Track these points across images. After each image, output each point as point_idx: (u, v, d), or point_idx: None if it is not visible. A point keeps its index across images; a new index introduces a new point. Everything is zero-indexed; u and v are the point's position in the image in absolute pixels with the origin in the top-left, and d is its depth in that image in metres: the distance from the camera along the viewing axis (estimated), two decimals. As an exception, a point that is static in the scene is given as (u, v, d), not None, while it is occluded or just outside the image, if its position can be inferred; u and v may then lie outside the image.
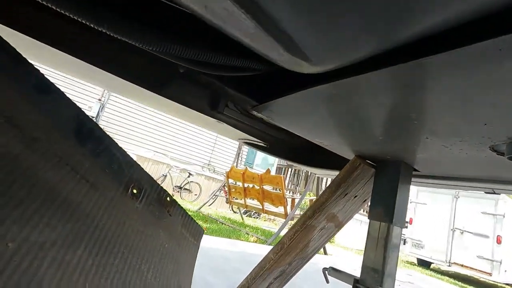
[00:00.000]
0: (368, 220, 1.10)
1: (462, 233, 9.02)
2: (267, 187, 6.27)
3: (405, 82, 0.54)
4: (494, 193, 1.07)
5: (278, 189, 6.20)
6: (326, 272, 1.19)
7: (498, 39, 0.37)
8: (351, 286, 1.04)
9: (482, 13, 0.38)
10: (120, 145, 0.72)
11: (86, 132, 0.58)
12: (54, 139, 0.51)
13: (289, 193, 12.51)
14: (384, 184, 1.08)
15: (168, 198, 0.75)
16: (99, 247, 0.50)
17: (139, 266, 0.58)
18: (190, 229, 0.80)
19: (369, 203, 1.24)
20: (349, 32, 0.45)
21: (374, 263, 1.01)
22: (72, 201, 0.49)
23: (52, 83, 0.55)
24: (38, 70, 0.53)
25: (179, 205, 0.78)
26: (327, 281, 1.23)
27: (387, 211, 1.03)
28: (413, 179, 1.11)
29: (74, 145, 0.54)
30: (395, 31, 0.44)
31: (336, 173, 1.46)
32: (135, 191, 0.65)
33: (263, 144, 1.13)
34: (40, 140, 0.48)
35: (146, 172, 0.72)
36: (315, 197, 6.96)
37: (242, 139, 1.14)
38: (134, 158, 10.03)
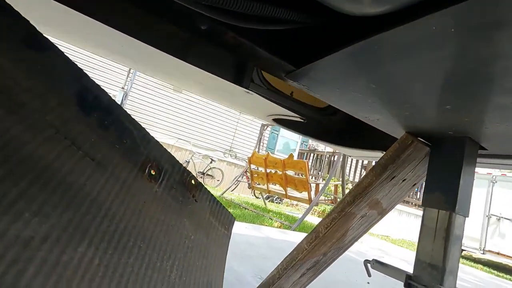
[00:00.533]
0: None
1: (498, 219, 8.50)
2: (290, 172, 6.15)
3: (497, 17, 0.37)
4: None
5: (301, 174, 6.06)
6: (369, 265, 1.05)
7: None
8: (402, 283, 0.90)
9: None
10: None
11: (91, 100, 0.47)
12: (49, 106, 0.40)
13: (312, 178, 12.29)
14: (443, 165, 0.91)
15: (193, 181, 0.64)
16: (108, 242, 0.40)
17: (160, 263, 0.47)
18: (219, 216, 0.69)
19: (416, 188, 1.07)
20: None
21: (431, 257, 0.86)
22: (72, 184, 0.38)
23: (47, 39, 0.43)
24: (29, 22, 0.41)
25: (205, 188, 0.67)
26: (369, 275, 1.10)
27: (448, 197, 0.86)
28: (480, 160, 0.93)
29: (75, 115, 0.43)
30: None
31: (378, 154, 1.30)
32: (153, 172, 0.54)
33: (299, 119, 0.99)
34: (30, 106, 0.37)
35: (166, 150, 0.60)
36: (340, 183, 6.75)
37: (272, 115, 1.01)
38: (158, 144, 10.27)
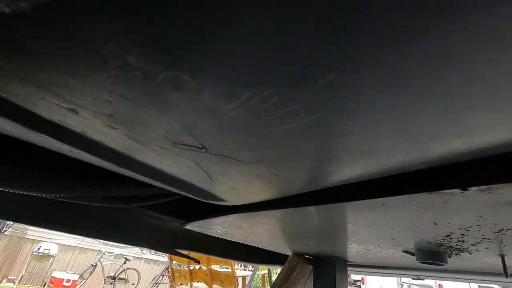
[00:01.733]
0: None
1: (409, 286, 9.29)
2: (215, 266, 5.77)
3: (320, 214, 0.58)
4: (419, 279, 1.14)
5: (227, 268, 5.74)
6: None
7: (381, 199, 0.44)
8: None
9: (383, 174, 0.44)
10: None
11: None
12: None
13: (241, 266, 11.64)
14: (322, 281, 1.07)
15: None
16: None
17: None
18: None
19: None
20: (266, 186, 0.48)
21: None
22: None
23: None
24: None
25: None
26: None
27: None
28: (348, 268, 1.13)
29: None
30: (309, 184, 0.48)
31: (277, 267, 1.43)
32: None
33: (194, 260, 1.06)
34: None
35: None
36: (266, 271, 6.59)
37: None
38: (56, 248, 8.45)
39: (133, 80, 0.22)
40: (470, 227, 0.50)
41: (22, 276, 8.09)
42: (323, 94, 0.21)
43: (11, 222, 8.06)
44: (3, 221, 7.93)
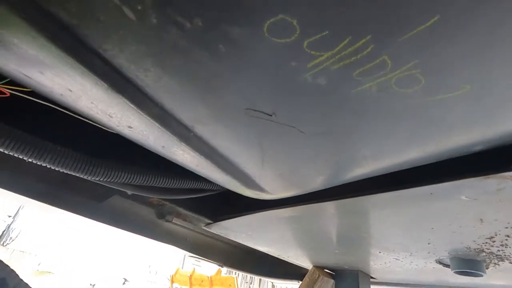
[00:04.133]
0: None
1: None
2: (218, 291, 5.54)
3: (354, 210, 0.58)
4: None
5: (230, 292, 5.51)
6: None
7: (430, 186, 0.43)
8: None
9: (416, 163, 0.44)
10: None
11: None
12: None
13: (243, 292, 11.12)
14: (345, 297, 1.03)
15: None
16: None
17: None
18: None
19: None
20: (303, 174, 0.48)
21: None
22: None
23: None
24: None
25: None
26: None
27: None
28: (372, 287, 1.08)
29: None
30: (341, 175, 0.48)
31: (295, 283, 1.37)
32: None
33: (217, 264, 1.03)
34: None
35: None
36: (271, 298, 6.28)
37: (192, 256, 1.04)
38: (56, 264, 8.24)
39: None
40: (518, 225, 0.49)
41: (20, 292, 7.86)
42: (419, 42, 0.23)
43: (14, 235, 7.99)
44: (6, 233, 7.87)
